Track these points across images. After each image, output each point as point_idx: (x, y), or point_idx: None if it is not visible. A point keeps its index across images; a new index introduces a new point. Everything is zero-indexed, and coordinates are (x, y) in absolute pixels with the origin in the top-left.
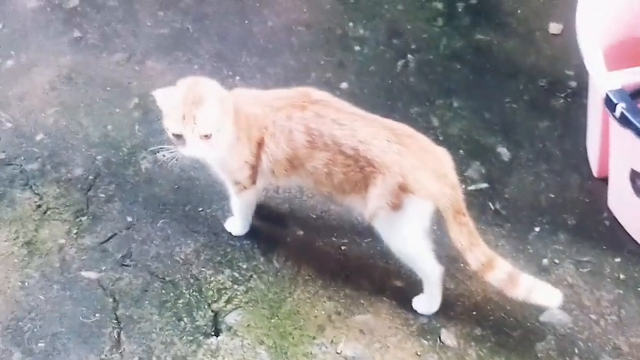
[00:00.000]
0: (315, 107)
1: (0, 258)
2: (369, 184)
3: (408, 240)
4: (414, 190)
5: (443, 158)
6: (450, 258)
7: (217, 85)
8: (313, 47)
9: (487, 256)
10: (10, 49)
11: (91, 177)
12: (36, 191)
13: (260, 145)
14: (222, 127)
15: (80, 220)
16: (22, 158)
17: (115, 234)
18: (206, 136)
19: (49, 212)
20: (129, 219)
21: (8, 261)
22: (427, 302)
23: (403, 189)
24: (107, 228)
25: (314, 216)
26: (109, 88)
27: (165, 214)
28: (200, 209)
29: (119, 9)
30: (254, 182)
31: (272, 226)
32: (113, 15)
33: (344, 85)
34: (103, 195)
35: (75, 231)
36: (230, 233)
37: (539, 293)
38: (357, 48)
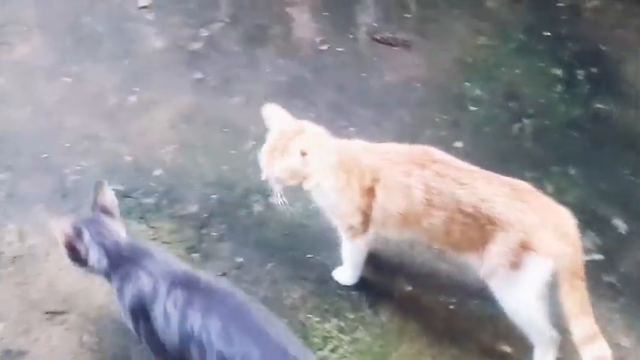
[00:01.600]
0: (435, 166)
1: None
2: (488, 241)
3: (526, 301)
4: (537, 248)
5: (565, 216)
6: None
7: (322, 133)
8: (429, 104)
9: (593, 329)
10: (135, 85)
11: (204, 215)
12: (151, 225)
13: (370, 193)
14: (307, 175)
15: (192, 257)
16: (140, 192)
17: (225, 273)
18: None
19: (162, 246)
20: (239, 259)
21: None
22: None
23: (525, 246)
24: (218, 266)
25: (424, 272)
26: (226, 130)
27: (274, 258)
28: (309, 256)
29: (241, 54)
30: (366, 229)
31: (381, 278)
32: (234, 59)
33: (458, 144)
34: (215, 234)
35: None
36: (338, 282)
37: None
38: (472, 108)
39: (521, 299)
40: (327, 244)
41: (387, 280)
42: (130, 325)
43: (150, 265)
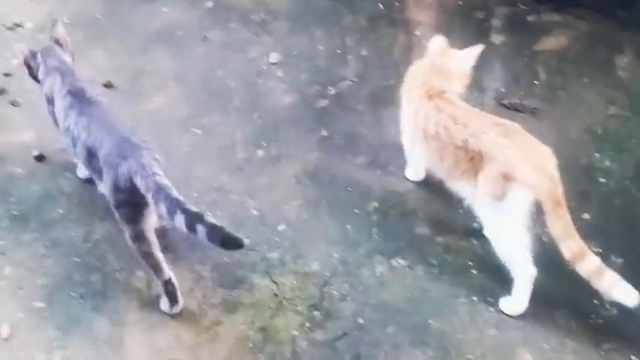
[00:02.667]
0: (439, 101)
1: (236, 340)
2: (477, 173)
3: (509, 229)
4: (517, 179)
5: (546, 154)
6: None
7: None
8: None
9: (579, 247)
10: (262, 139)
11: (327, 273)
12: (274, 280)
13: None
14: None
15: (313, 315)
16: (265, 246)
17: (346, 333)
18: None
19: (285, 302)
20: (360, 320)
21: (243, 344)
22: (514, 303)
23: (507, 177)
24: (338, 326)
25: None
26: (350, 189)
27: (395, 321)
28: (431, 321)
29: (366, 113)
30: None
31: None
32: (360, 119)
33: (586, 215)
34: (336, 293)
35: (308, 324)
36: (459, 350)
37: (620, 290)
38: (602, 180)
39: (504, 228)
40: (449, 309)
41: None
42: (47, 108)
43: (66, 78)
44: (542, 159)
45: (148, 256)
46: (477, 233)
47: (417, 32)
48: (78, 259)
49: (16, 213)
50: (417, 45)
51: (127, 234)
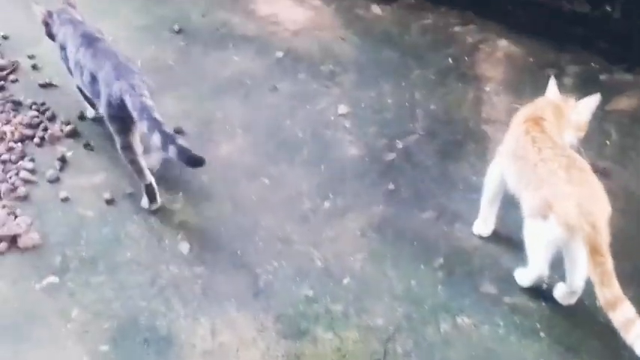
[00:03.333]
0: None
1: None
2: (534, 189)
3: (537, 242)
4: (555, 212)
5: (601, 202)
6: None
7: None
8: (627, 236)
9: (615, 296)
10: (329, 191)
11: (391, 328)
12: (337, 333)
13: None
14: None
15: None
16: (328, 298)
17: None
18: None
19: (347, 356)
20: None
21: None
22: (526, 275)
23: (549, 206)
24: None
25: None
26: (416, 244)
27: None
28: None
29: (434, 168)
30: None
31: None
32: (427, 173)
33: None
34: (400, 349)
35: None
36: None
37: None
38: None
39: (534, 239)
40: None
41: None
42: (60, 54)
43: (78, 26)
44: (594, 204)
45: (134, 163)
46: (546, 295)
47: (487, 88)
48: (144, 304)
49: (85, 255)
50: (487, 101)
51: (117, 144)
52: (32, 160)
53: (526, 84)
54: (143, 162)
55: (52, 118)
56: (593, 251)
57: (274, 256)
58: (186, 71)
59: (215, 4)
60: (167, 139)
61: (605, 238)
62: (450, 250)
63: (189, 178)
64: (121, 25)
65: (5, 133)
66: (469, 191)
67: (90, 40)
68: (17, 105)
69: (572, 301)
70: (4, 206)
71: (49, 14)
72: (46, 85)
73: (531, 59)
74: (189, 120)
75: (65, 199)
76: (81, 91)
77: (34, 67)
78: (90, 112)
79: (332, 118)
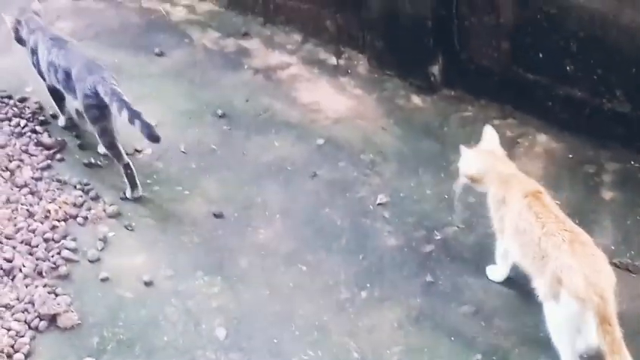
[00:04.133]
0: (531, 201)
1: None
2: (544, 271)
3: (561, 328)
4: (565, 286)
5: (605, 273)
6: None
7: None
8: None
9: None
10: (367, 281)
11: None
12: None
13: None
14: None
15: None
16: None
17: None
18: None
19: None
20: None
21: None
22: None
23: (559, 282)
24: None
25: None
26: (453, 338)
27: None
28: None
29: (472, 262)
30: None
31: None
32: (465, 266)
33: None
34: None
35: None
36: None
37: None
38: None
39: (557, 327)
40: None
41: None
42: (30, 59)
43: (46, 32)
44: (599, 275)
45: (112, 146)
46: None
47: None
48: None
49: (122, 337)
50: None
51: (96, 132)
52: (74, 239)
53: (564, 179)
54: (120, 146)
55: (96, 198)
56: (603, 321)
57: (310, 346)
58: (228, 155)
59: (258, 90)
60: (133, 115)
61: (612, 309)
62: (487, 346)
63: (228, 262)
64: (166, 108)
65: (49, 212)
66: (507, 285)
67: (60, 43)
68: (62, 184)
69: None
70: (45, 285)
71: (18, 22)
72: (90, 165)
73: (570, 155)
74: (229, 204)
75: (105, 279)
76: (52, 93)
77: (80, 146)
78: (61, 121)
79: (371, 207)
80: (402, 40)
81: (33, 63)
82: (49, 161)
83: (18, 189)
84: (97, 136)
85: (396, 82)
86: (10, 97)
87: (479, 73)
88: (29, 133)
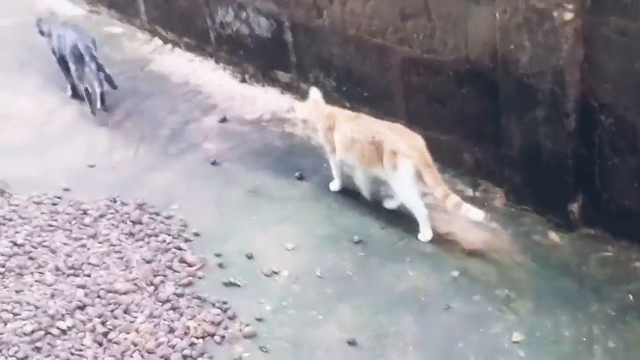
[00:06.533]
0: (358, 120)
1: None
2: (382, 157)
3: (405, 187)
4: (399, 152)
5: (416, 138)
6: None
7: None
8: None
9: (445, 190)
10: None
11: None
12: None
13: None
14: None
15: None
16: None
17: None
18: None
19: None
20: None
21: None
22: (424, 233)
23: (394, 153)
24: None
25: None
26: None
27: None
28: None
29: None
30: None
31: None
32: None
33: None
34: None
35: None
36: None
37: (470, 210)
38: None
39: (402, 187)
40: None
41: None
42: (48, 46)
43: (62, 25)
44: (415, 141)
45: (81, 80)
46: None
47: None
48: None
49: None
50: None
51: (73, 71)
52: (211, 357)
53: None
54: (86, 83)
55: (233, 318)
56: (425, 165)
57: None
58: (363, 282)
59: (395, 218)
60: (99, 68)
61: (428, 157)
62: None
63: None
64: (305, 232)
65: (189, 328)
66: None
67: (67, 24)
68: (202, 301)
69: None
70: None
71: (40, 19)
72: (229, 284)
73: None
74: (363, 332)
75: None
76: (61, 64)
77: (220, 265)
78: (68, 92)
79: (506, 345)
80: (541, 176)
81: (51, 48)
82: (190, 278)
83: (161, 304)
84: (72, 71)
85: (534, 217)
86: (157, 214)
87: (620, 214)
88: (174, 250)
